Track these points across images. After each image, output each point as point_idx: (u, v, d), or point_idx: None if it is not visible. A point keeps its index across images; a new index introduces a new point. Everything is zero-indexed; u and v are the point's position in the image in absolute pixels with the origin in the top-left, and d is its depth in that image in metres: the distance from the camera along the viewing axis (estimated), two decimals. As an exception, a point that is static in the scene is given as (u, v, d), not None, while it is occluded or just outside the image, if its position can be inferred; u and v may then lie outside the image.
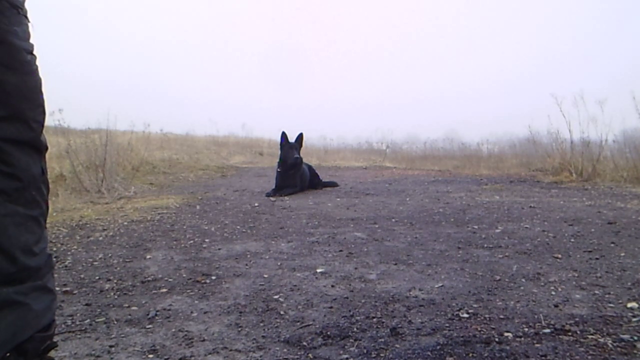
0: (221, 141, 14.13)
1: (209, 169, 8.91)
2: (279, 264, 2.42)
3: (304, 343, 1.47)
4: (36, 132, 1.02)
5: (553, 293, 1.88)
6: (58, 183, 5.26)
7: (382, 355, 1.37)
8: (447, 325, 1.58)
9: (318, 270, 2.28)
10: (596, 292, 1.88)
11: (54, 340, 1.11)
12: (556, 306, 1.73)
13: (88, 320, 1.68)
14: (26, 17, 1.03)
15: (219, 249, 2.76)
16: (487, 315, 1.65)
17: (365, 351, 1.40)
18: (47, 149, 1.08)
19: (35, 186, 1.02)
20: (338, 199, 4.97)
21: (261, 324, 1.63)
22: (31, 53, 1.02)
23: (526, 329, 1.52)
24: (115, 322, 1.66)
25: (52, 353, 1.10)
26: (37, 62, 1.04)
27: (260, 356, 1.39)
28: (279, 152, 5.77)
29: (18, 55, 0.98)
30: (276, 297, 1.91)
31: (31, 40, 1.04)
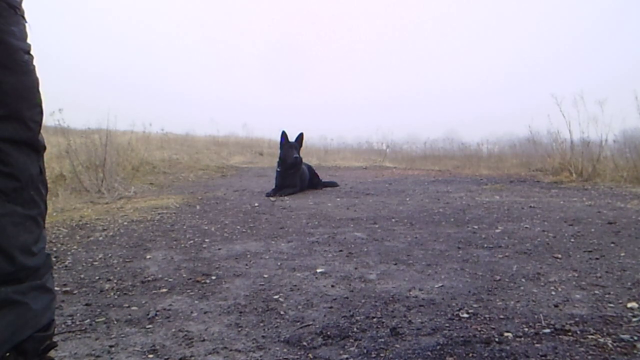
0: (221, 141, 14.13)
1: (209, 169, 8.90)
2: (279, 264, 2.42)
3: (304, 343, 1.47)
4: (34, 131, 1.03)
5: (553, 293, 1.88)
6: (58, 183, 5.26)
7: (382, 355, 1.37)
8: (447, 325, 1.58)
9: (318, 270, 2.28)
10: (596, 292, 1.88)
11: (54, 340, 1.11)
12: (556, 306, 1.73)
13: (88, 320, 1.68)
14: (23, 17, 1.03)
15: (219, 249, 2.76)
16: (487, 315, 1.65)
17: (365, 351, 1.40)
18: (45, 148, 1.08)
19: (34, 186, 1.02)
20: (338, 199, 4.97)
21: (261, 324, 1.63)
22: (28, 53, 1.03)
23: (526, 329, 1.52)
24: (115, 322, 1.66)
25: (52, 353, 1.10)
26: (34, 62, 1.05)
27: (260, 356, 1.39)
28: (279, 151, 5.77)
29: (15, 55, 0.98)
30: (276, 297, 1.91)
31: (29, 40, 1.04)
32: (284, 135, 5.71)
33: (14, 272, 0.97)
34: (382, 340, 1.47)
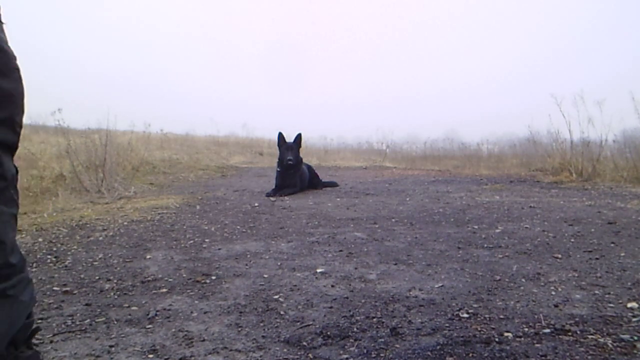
0: (221, 141, 14.13)
1: (209, 169, 8.90)
2: (279, 264, 2.42)
3: (304, 343, 1.47)
4: (18, 135, 1.07)
5: (553, 293, 1.88)
6: (58, 183, 5.26)
7: (382, 355, 1.37)
8: (447, 325, 1.58)
9: (318, 270, 2.28)
10: (596, 292, 1.88)
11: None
12: (556, 306, 1.73)
13: (88, 320, 1.68)
14: (2, 22, 1.05)
15: (219, 249, 2.76)
16: (487, 315, 1.65)
17: (365, 351, 1.40)
18: (17, 149, 1.10)
19: (13, 185, 1.05)
20: (338, 199, 4.97)
21: (261, 324, 1.63)
22: (16, 59, 1.05)
23: (526, 329, 1.52)
24: (115, 322, 1.66)
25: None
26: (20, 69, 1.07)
27: (260, 356, 1.39)
28: (278, 152, 5.78)
29: (12, 62, 1.01)
30: (276, 297, 1.91)
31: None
32: (280, 136, 5.72)
33: (4, 268, 0.99)
34: (382, 340, 1.47)
